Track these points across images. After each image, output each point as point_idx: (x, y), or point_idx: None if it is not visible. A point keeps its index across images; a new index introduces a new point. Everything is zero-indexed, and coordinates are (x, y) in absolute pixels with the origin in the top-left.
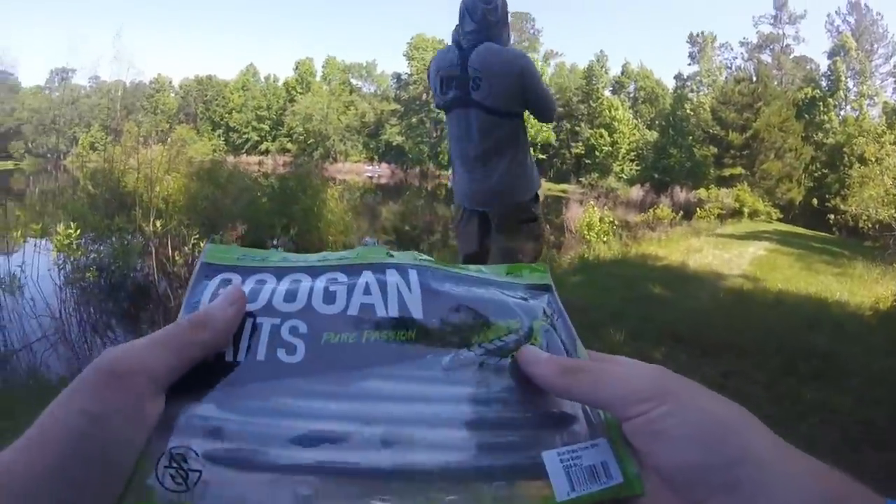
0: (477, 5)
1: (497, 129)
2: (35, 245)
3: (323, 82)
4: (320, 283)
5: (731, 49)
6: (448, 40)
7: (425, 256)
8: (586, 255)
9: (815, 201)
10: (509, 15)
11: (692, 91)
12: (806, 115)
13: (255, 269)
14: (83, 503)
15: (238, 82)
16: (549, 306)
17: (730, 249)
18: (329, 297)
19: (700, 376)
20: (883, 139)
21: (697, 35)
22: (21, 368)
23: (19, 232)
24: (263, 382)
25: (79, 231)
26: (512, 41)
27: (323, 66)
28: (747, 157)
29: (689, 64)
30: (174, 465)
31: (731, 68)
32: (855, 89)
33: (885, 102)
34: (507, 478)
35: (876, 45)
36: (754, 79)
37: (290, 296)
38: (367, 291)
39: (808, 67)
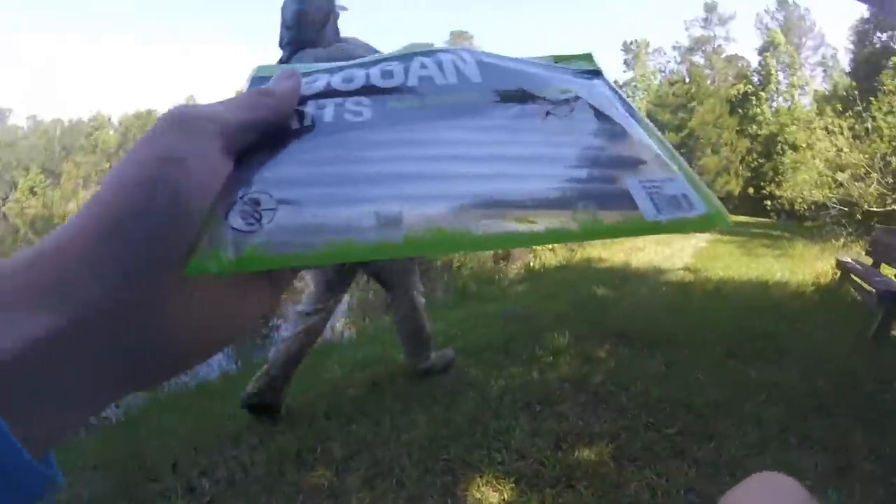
0: (287, 6)
1: None
2: None
3: None
4: (376, 69)
5: (664, 53)
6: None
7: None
8: (532, 265)
9: (752, 190)
10: (338, 11)
11: (628, 96)
12: (739, 110)
13: (308, 73)
14: (157, 249)
15: None
16: (603, 85)
17: (671, 245)
18: (387, 74)
19: (643, 369)
20: (813, 125)
21: (631, 42)
22: None
23: None
24: (334, 136)
25: None
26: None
27: None
28: (685, 154)
29: (625, 71)
30: (247, 207)
31: (664, 72)
32: (786, 81)
33: (815, 90)
34: (597, 202)
35: (804, 38)
36: (687, 80)
37: (349, 79)
38: (423, 67)
39: (739, 65)
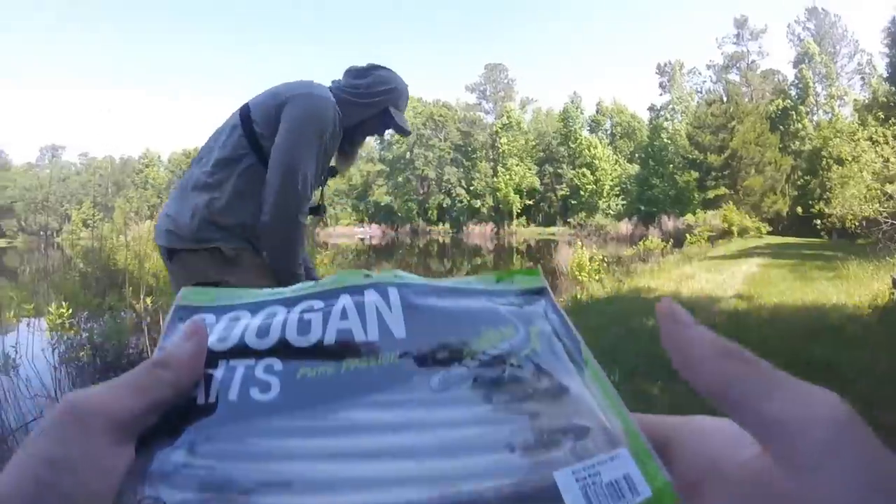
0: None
1: None
2: (28, 324)
3: None
4: (294, 314)
5: (700, 73)
6: (425, 97)
7: (407, 274)
8: (579, 296)
9: (800, 209)
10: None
11: (667, 120)
12: (780, 127)
13: (230, 308)
14: None
15: None
16: (546, 309)
17: (722, 271)
18: (304, 327)
19: (699, 406)
20: (857, 137)
21: (665, 64)
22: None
23: (12, 312)
24: (236, 424)
25: (71, 310)
26: (487, 91)
27: None
28: (729, 176)
29: (661, 94)
30: None
31: (701, 92)
32: (824, 93)
33: (856, 100)
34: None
35: (838, 47)
36: (725, 99)
37: (264, 331)
38: (343, 316)
39: (775, 79)
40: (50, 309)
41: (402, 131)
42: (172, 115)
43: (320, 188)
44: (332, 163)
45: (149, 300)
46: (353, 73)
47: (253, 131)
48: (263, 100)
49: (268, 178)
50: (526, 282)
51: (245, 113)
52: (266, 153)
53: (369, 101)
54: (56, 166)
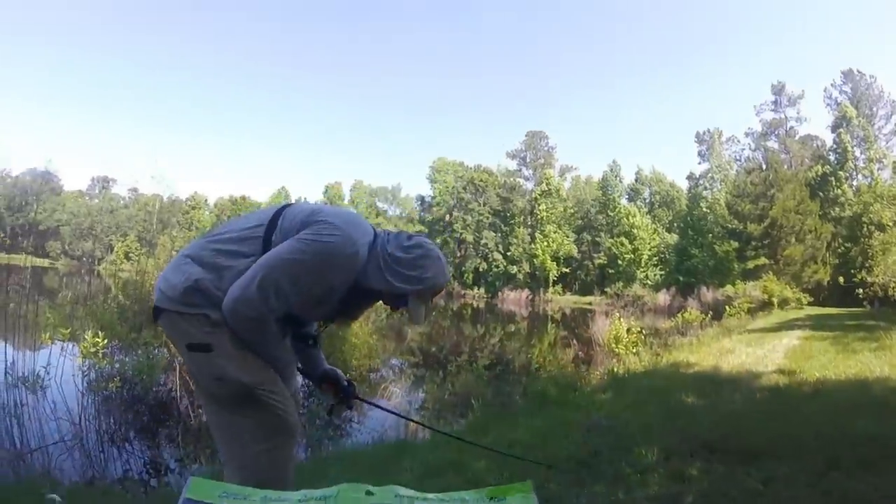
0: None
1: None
2: (62, 348)
3: (351, 205)
4: None
5: (738, 141)
6: (467, 162)
7: (405, 490)
8: (616, 370)
9: (842, 279)
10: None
11: (706, 188)
12: (820, 193)
13: None
14: None
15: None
16: None
17: (763, 345)
18: None
19: (738, 488)
20: None
21: (704, 133)
22: (35, 468)
23: (48, 334)
24: None
25: (106, 340)
26: (527, 158)
27: (351, 190)
28: (769, 245)
29: (700, 162)
30: None
31: (740, 160)
32: (863, 156)
33: (895, 162)
34: None
35: (875, 108)
36: (764, 166)
37: None
38: None
39: (814, 145)
40: (86, 336)
41: (414, 320)
42: (222, 162)
43: (317, 323)
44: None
45: None
46: (403, 241)
47: (270, 238)
48: (300, 210)
49: (246, 272)
50: (517, 500)
51: (277, 216)
52: None
53: (399, 282)
54: (106, 197)
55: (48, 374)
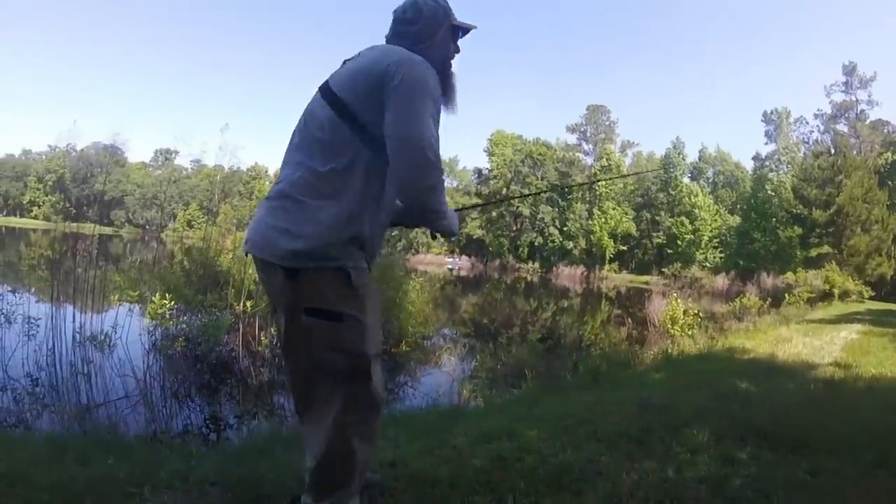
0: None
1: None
2: (129, 309)
3: None
4: None
5: (807, 123)
6: (526, 135)
7: None
8: (670, 351)
9: None
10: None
11: (771, 170)
12: (889, 182)
13: None
14: None
15: None
16: None
17: (820, 336)
18: None
19: (786, 476)
20: None
21: (771, 112)
22: (101, 422)
23: (116, 296)
24: None
25: (172, 302)
26: (588, 133)
27: None
28: (833, 234)
29: (766, 143)
30: None
31: (808, 142)
32: None
33: None
34: None
35: None
36: (833, 151)
37: None
38: None
39: (885, 131)
40: (153, 298)
41: (468, 27)
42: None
43: None
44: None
45: (248, 304)
46: (404, 20)
47: (356, 119)
48: (350, 77)
49: (394, 159)
50: None
51: (334, 99)
52: (380, 141)
53: (437, 34)
54: (169, 168)
55: (116, 333)
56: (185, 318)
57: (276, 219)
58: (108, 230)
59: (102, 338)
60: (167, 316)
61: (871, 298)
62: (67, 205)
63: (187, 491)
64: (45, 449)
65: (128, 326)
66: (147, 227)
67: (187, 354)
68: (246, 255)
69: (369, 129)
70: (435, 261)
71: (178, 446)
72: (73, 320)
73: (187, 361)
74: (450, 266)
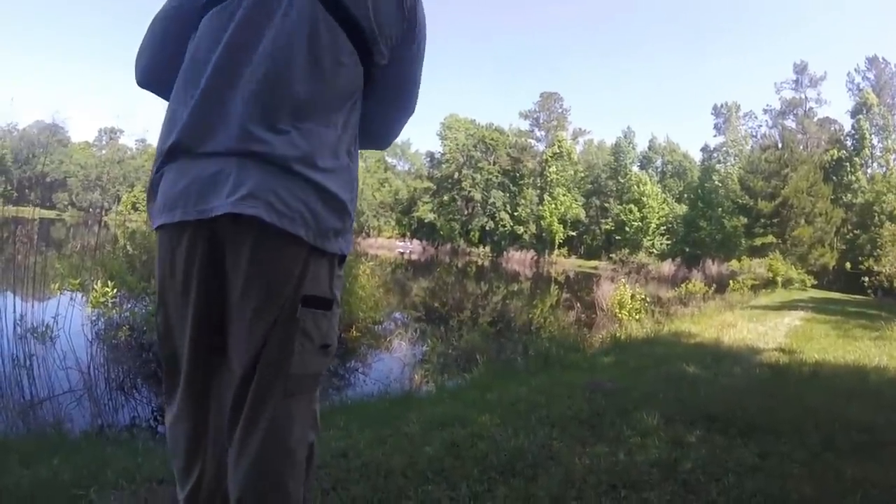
0: None
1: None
2: (71, 298)
3: (359, 159)
4: None
5: (756, 117)
6: (479, 120)
7: None
8: (618, 335)
9: (848, 264)
10: None
11: (719, 162)
12: (833, 177)
13: None
14: None
15: None
16: None
17: (765, 322)
18: None
19: (736, 459)
20: None
21: (721, 106)
22: (45, 419)
23: (57, 284)
24: None
25: (115, 290)
26: (540, 120)
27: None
28: (778, 224)
29: (715, 135)
30: None
31: (756, 136)
32: (880, 145)
33: None
34: None
35: None
36: (780, 145)
37: None
38: None
39: (832, 129)
40: (95, 286)
41: None
42: None
43: None
44: None
45: None
46: None
47: (364, 39)
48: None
49: (401, 105)
50: None
51: (346, 16)
52: (374, 75)
53: None
54: (113, 148)
55: (57, 324)
56: (128, 305)
57: (262, 181)
58: (50, 213)
59: (44, 329)
60: (110, 304)
61: (813, 287)
62: (10, 187)
63: (134, 491)
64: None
65: (70, 316)
66: (91, 210)
67: (132, 344)
68: (238, 218)
69: (377, 58)
70: (386, 244)
71: (125, 441)
72: (14, 311)
73: (132, 351)
74: (401, 250)
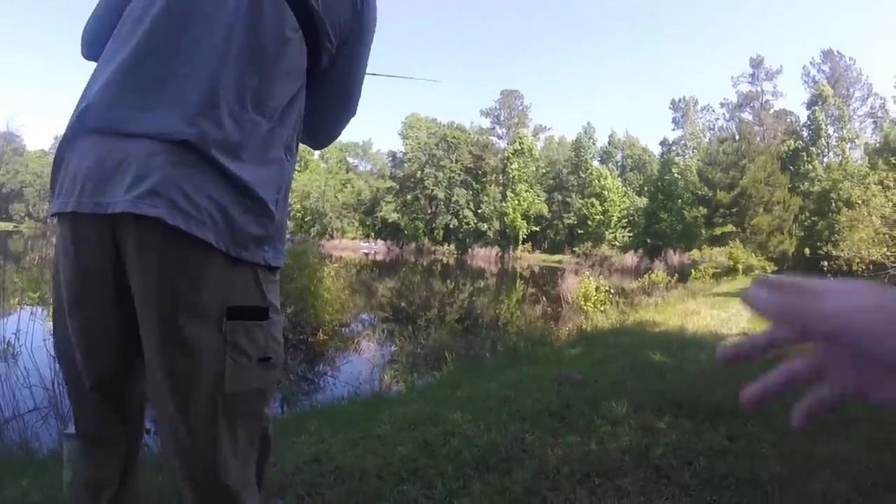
0: None
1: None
2: (31, 312)
3: (320, 161)
4: None
5: (713, 111)
6: (440, 119)
7: None
8: (584, 326)
9: (807, 250)
10: None
11: (678, 155)
12: (791, 167)
13: None
14: None
15: None
16: None
17: (727, 308)
18: None
19: (705, 443)
20: (867, 180)
21: (679, 100)
22: (11, 439)
23: (17, 299)
24: None
25: None
26: (501, 117)
27: None
28: (737, 214)
29: (674, 129)
30: None
31: (714, 129)
32: (836, 135)
33: (867, 143)
34: None
35: (852, 90)
36: (737, 137)
37: None
38: None
39: (788, 120)
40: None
41: None
42: None
43: None
44: None
45: None
46: None
47: (317, 33)
48: None
49: (344, 104)
50: None
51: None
52: (320, 68)
53: None
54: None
55: (18, 340)
56: None
57: (170, 175)
58: (7, 225)
59: (5, 346)
60: None
61: (773, 273)
62: None
63: None
64: None
65: (31, 331)
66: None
67: None
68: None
69: (322, 51)
70: (350, 246)
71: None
72: None
73: None
74: (365, 251)
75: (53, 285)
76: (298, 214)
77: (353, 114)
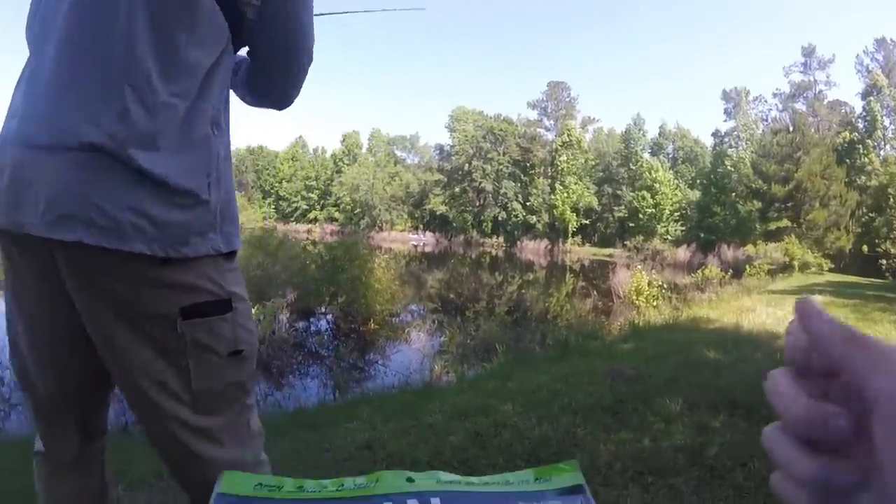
0: None
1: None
2: None
3: (369, 154)
4: None
5: (766, 101)
6: (487, 111)
7: (447, 476)
8: (636, 321)
9: (865, 248)
10: None
11: (731, 147)
12: (846, 160)
13: (269, 500)
14: None
15: (288, 153)
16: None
17: (783, 306)
18: None
19: (760, 444)
20: None
21: (731, 91)
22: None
23: None
24: None
25: None
26: (549, 109)
27: (368, 139)
28: (792, 208)
29: (725, 120)
30: None
31: (766, 120)
32: (892, 126)
33: None
34: None
35: None
36: (791, 129)
37: None
38: None
39: (843, 111)
40: None
41: None
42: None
43: None
44: None
45: None
46: None
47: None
48: None
49: (292, 56)
50: (564, 479)
51: None
52: (248, 21)
53: None
54: None
55: None
56: None
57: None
58: None
59: None
60: None
61: (830, 271)
62: None
63: (162, 487)
64: (16, 451)
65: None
66: None
67: None
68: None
69: (244, 7)
70: (399, 237)
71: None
72: None
73: None
74: (414, 242)
75: (6, 301)
76: (348, 207)
77: (309, 61)
